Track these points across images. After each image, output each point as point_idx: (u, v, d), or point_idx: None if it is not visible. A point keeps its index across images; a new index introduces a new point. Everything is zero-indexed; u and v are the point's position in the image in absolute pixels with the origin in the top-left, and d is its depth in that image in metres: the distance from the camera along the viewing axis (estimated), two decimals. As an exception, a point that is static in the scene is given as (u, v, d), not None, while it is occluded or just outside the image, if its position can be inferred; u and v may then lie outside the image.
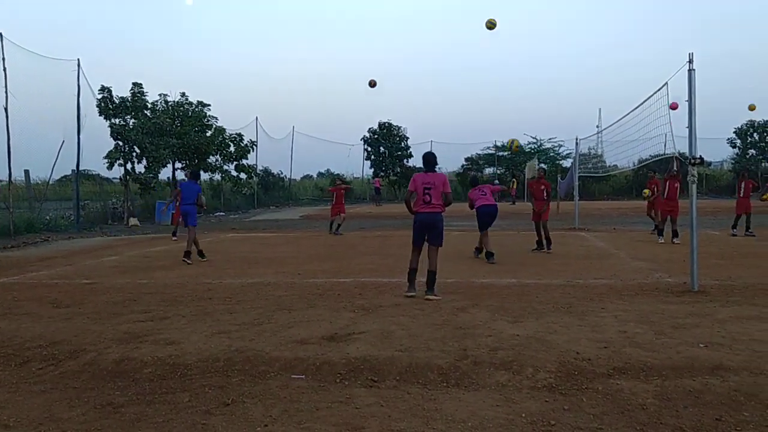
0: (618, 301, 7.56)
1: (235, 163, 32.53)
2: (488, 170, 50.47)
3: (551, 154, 48.89)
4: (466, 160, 50.78)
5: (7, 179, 19.62)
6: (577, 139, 21.53)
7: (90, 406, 4.46)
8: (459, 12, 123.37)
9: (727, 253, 12.31)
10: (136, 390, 4.80)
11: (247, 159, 33.34)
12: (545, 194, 13.44)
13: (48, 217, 22.12)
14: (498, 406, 4.29)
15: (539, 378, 4.82)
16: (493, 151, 49.76)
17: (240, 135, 32.67)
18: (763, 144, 44.27)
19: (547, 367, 5.00)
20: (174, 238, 17.60)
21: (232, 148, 32.03)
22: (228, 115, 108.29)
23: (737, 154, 45.41)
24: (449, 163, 50.97)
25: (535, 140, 49.91)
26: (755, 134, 44.48)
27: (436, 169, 8.52)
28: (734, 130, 45.06)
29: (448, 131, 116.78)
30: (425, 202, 8.20)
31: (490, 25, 13.82)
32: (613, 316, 6.72)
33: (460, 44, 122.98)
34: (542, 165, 36.80)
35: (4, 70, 18.50)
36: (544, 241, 13.04)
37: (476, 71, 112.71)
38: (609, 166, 34.54)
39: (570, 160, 41.25)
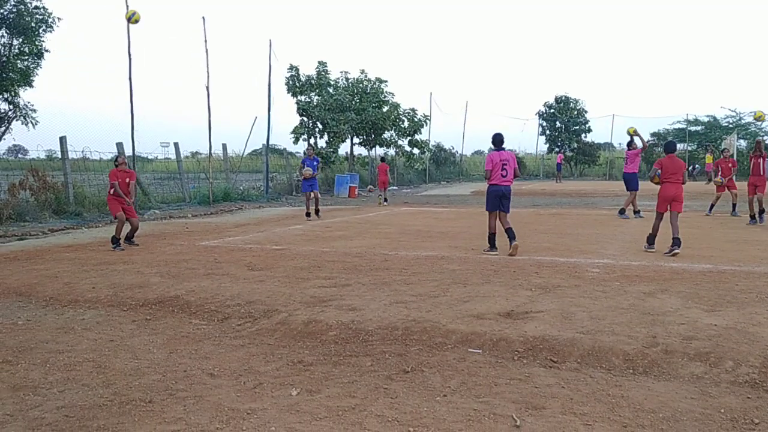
0: (838, 294, 6.63)
1: (408, 138, 33.18)
2: (679, 146, 46.51)
3: (752, 129, 43.79)
4: (653, 135, 47.24)
5: (208, 152, 21.71)
6: (785, 111, 19.03)
7: (283, 362, 4.83)
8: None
9: None
10: (322, 351, 5.12)
11: (420, 134, 33.88)
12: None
13: (241, 188, 24.19)
14: (693, 399, 3.97)
15: (740, 372, 4.39)
16: (684, 126, 45.75)
17: (414, 110, 33.23)
18: None
19: (749, 361, 4.54)
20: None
21: (405, 124, 32.68)
22: (403, 91, 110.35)
23: None
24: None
25: (734, 113, 45.03)
26: None
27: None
28: None
29: (632, 104, 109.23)
30: (502, 176, 9.63)
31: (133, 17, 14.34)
32: (833, 311, 5.91)
33: (644, 7, 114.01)
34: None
35: (207, 51, 20.27)
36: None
37: (662, 37, 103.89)
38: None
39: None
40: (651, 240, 10.01)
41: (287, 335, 5.59)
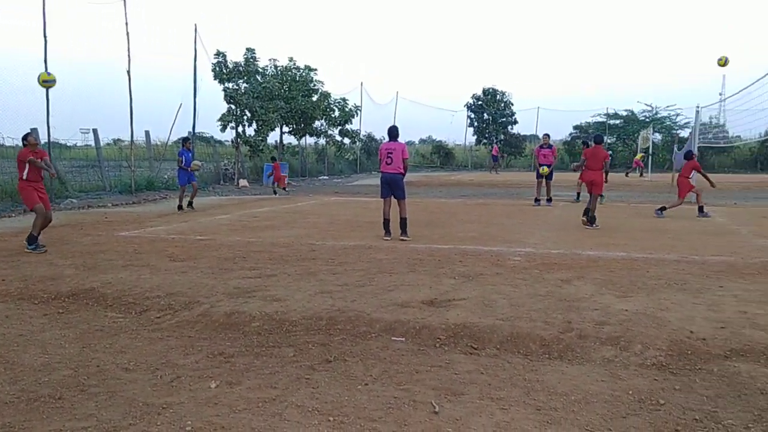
0: (738, 279, 7.06)
1: (339, 127, 33.01)
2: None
3: (667, 123, 46.00)
4: (575, 128, 48.85)
5: (130, 139, 20.91)
6: (698, 107, 20.08)
7: (203, 354, 4.73)
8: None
9: None
10: (244, 342, 5.04)
11: (351, 124, 33.73)
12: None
13: (166, 177, 23.46)
14: (603, 381, 4.15)
15: (648, 355, 4.61)
16: (604, 119, 47.54)
17: (345, 100, 33.02)
18: None
19: (657, 345, 4.78)
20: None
21: (336, 113, 32.46)
22: (334, 81, 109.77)
23: None
24: (556, 132, 49.33)
25: (650, 108, 47.12)
26: None
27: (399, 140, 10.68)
28: None
29: (556, 98, 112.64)
30: (387, 164, 10.41)
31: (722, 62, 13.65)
32: (733, 295, 6.29)
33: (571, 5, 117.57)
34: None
35: (127, 34, 19.49)
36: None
37: (585, 37, 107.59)
38: (732, 137, 32.13)
39: (688, 130, 38.67)
40: (587, 214, 11.93)
41: (209, 327, 5.47)
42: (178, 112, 23.82)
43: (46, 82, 15.85)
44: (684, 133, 41.25)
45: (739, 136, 32.53)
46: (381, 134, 46.20)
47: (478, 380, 4.17)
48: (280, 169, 23.03)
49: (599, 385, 4.09)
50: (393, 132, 10.75)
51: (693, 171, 14.42)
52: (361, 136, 40.40)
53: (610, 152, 36.69)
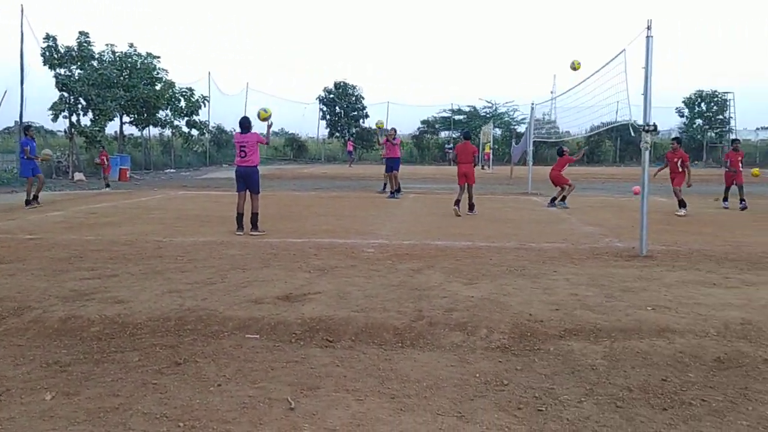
0: (569, 264, 7.71)
1: (186, 118, 31.61)
2: (444, 134, 50.52)
3: (506, 119, 49.15)
4: (422, 122, 50.67)
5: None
6: (532, 104, 21.64)
7: (36, 365, 4.32)
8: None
9: (673, 219, 12.69)
10: (83, 349, 4.67)
11: (198, 115, 32.39)
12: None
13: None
14: (452, 366, 4.33)
15: (493, 339, 4.88)
16: (449, 115, 49.76)
17: (191, 89, 31.65)
18: (710, 114, 45.45)
19: (500, 329, 5.07)
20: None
21: (182, 103, 31.05)
22: (179, 70, 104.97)
23: (684, 123, 46.54)
24: (405, 126, 50.82)
25: (490, 104, 50.04)
26: (702, 104, 45.61)
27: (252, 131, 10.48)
28: (683, 99, 46.12)
29: (405, 94, 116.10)
30: (241, 157, 10.20)
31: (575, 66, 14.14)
32: (565, 279, 6.85)
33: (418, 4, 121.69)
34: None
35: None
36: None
37: (432, 34, 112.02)
38: (562, 132, 34.94)
39: (525, 125, 41.58)
40: (457, 203, 12.95)
41: (41, 334, 5.00)
42: (1, 99, 21.56)
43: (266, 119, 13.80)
44: (521, 129, 44.34)
45: (568, 132, 35.43)
46: (231, 126, 45.05)
47: (334, 373, 4.18)
48: (108, 160, 21.61)
49: (449, 370, 4.27)
50: (244, 123, 10.47)
51: (566, 165, 15.47)
52: (210, 128, 39.02)
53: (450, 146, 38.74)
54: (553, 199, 15.22)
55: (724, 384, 3.99)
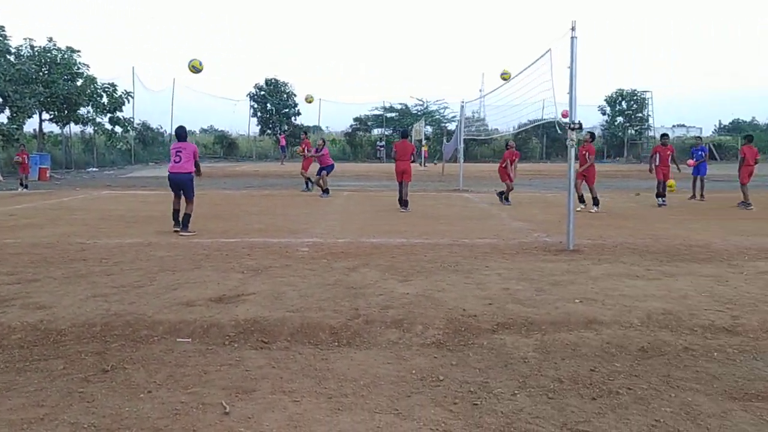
0: (501, 259, 7.88)
1: (108, 115, 30.43)
2: (376, 131, 50.65)
3: (437, 117, 49.76)
4: (355, 120, 50.63)
5: None
6: (462, 102, 22.02)
7: (-52, 378, 4.06)
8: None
9: (598, 214, 13.17)
10: (4, 357, 4.43)
11: (122, 111, 31.26)
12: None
13: None
14: (389, 364, 4.34)
15: (428, 335, 4.93)
16: (381, 112, 49.92)
17: (113, 85, 30.47)
18: (630, 112, 47.43)
19: (435, 324, 5.13)
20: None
21: (104, 99, 29.89)
22: (101, 65, 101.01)
23: (606, 121, 48.37)
24: (337, 123, 50.64)
25: (421, 102, 50.51)
26: (623, 102, 47.54)
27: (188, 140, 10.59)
28: (605, 98, 47.96)
29: (338, 91, 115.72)
30: (175, 162, 10.09)
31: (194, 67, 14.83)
32: (497, 274, 7.00)
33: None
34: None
35: None
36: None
37: (363, 31, 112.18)
38: (491, 130, 35.68)
39: (455, 123, 42.24)
40: (401, 202, 13.55)
41: (-46, 345, 4.70)
42: None
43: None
44: (452, 126, 44.98)
45: (497, 129, 36.21)
46: (157, 123, 43.77)
47: (270, 375, 4.12)
48: (28, 159, 20.64)
49: (386, 367, 4.28)
50: (180, 132, 10.55)
51: (508, 160, 15.59)
52: (135, 125, 37.74)
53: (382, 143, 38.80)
54: (501, 193, 15.52)
55: (648, 372, 4.17)
